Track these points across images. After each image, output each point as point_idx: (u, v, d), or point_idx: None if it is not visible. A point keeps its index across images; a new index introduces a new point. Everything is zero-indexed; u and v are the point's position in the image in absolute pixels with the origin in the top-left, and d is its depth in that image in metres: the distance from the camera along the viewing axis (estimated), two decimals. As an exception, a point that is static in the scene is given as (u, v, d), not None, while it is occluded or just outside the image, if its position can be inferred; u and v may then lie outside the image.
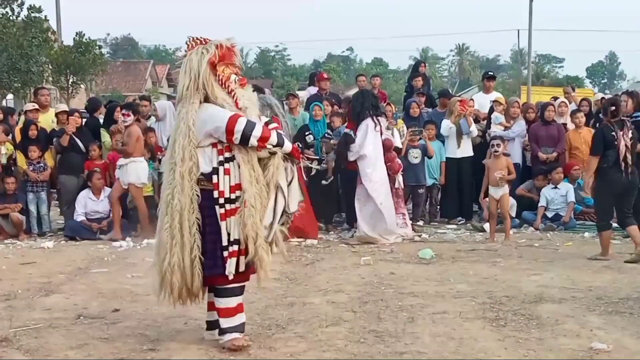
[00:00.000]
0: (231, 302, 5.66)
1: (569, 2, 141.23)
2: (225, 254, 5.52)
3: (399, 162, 11.40)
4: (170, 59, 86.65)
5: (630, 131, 9.73)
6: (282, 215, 5.63)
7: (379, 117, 11.15)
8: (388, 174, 11.21)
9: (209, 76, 5.58)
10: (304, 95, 16.01)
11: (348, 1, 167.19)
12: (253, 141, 5.47)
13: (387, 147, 11.19)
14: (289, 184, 5.65)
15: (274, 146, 5.55)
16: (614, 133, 9.60)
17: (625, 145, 9.58)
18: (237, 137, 5.46)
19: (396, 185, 11.36)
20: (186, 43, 5.80)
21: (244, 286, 5.77)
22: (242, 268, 5.55)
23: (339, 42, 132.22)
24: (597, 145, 9.73)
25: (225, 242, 5.51)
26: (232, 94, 5.63)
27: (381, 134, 11.09)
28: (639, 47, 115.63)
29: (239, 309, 5.71)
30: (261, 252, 5.49)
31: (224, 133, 5.46)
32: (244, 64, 6.17)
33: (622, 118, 9.85)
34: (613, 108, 9.83)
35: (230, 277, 5.54)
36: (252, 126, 5.46)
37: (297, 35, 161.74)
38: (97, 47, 36.92)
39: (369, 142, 10.88)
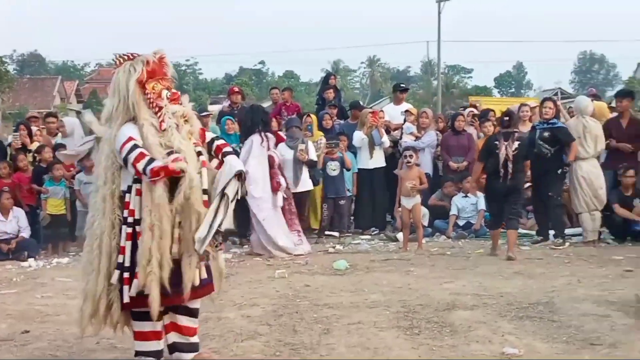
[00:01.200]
0: (144, 326, 5.37)
1: (476, 14, 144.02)
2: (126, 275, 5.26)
3: (280, 180, 11.28)
4: (79, 74, 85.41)
5: (517, 142, 10.42)
6: (216, 232, 5.37)
7: (267, 133, 11.17)
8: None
9: (138, 96, 5.34)
10: (216, 109, 15.96)
11: (258, 14, 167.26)
12: (130, 167, 5.22)
13: (271, 163, 11.15)
14: (232, 200, 5.41)
15: (144, 173, 5.15)
16: (497, 142, 10.47)
17: (506, 155, 10.32)
18: (122, 161, 5.28)
19: (278, 204, 11.19)
20: (113, 60, 5.61)
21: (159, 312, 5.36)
22: (132, 293, 5.21)
23: (250, 56, 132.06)
24: (482, 153, 11.00)
25: (127, 264, 5.25)
26: (159, 113, 5.37)
27: (268, 150, 11.09)
28: (546, 57, 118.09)
29: (155, 335, 5.42)
30: (149, 282, 5.12)
31: (120, 156, 5.28)
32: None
33: (513, 130, 10.67)
34: (507, 119, 10.71)
35: (125, 301, 5.28)
36: (130, 152, 5.17)
37: (208, 49, 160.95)
38: (2, 64, 36.07)
39: (253, 158, 10.86)
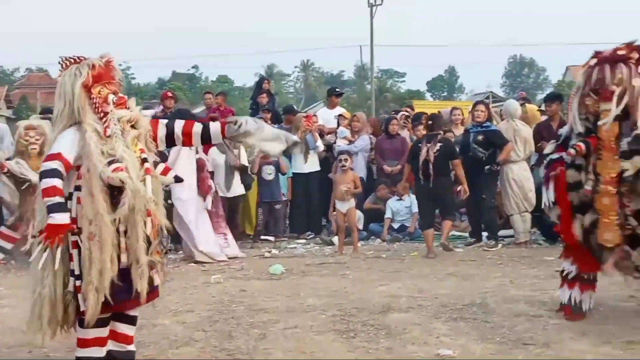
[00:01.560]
0: (87, 333, 5.27)
1: (408, 18, 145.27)
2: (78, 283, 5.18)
3: (210, 183, 11.25)
4: (9, 80, 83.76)
5: (439, 144, 10.89)
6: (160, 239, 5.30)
7: None
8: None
9: (83, 101, 5.21)
10: (149, 114, 15.78)
11: (192, 18, 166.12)
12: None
13: (200, 166, 11.11)
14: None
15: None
16: (420, 145, 10.97)
17: (427, 158, 10.79)
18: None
19: (205, 207, 11.13)
20: (59, 63, 5.49)
21: (103, 319, 5.28)
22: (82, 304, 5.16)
23: (183, 60, 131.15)
24: (409, 155, 11.61)
25: (77, 272, 5.16)
26: (105, 119, 5.22)
27: (197, 153, 11.05)
28: (477, 61, 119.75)
29: (97, 342, 5.31)
30: (87, 291, 5.03)
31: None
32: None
33: (436, 133, 11.10)
34: (430, 122, 11.27)
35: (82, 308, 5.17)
36: (47, 175, 4.99)
37: (140, 54, 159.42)
38: None
39: (180, 160, 10.81)
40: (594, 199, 6.61)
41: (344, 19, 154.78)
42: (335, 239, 11.95)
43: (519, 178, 11.72)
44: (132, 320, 5.51)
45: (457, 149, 11.51)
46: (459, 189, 11.17)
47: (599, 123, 6.62)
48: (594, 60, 6.76)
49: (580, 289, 6.92)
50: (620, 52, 6.63)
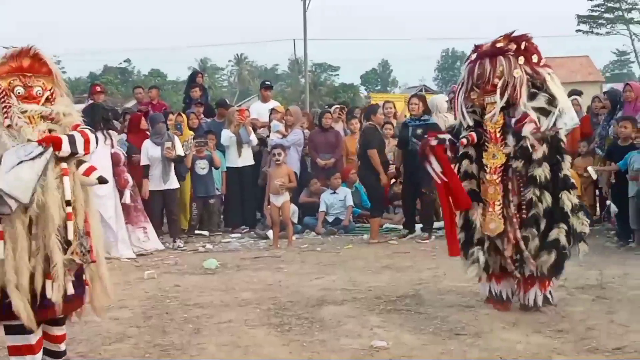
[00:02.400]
0: (16, 339, 5.14)
1: (342, 12, 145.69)
2: None
3: (127, 177, 11.12)
4: None
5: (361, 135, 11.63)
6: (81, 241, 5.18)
7: (110, 131, 11.02)
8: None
9: None
10: (80, 108, 15.56)
11: (123, 11, 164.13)
12: None
13: (115, 161, 10.96)
14: None
15: None
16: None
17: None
18: None
19: (123, 201, 10.99)
20: None
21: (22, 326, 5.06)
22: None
23: (115, 54, 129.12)
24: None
25: None
26: (5, 110, 5.06)
27: (112, 147, 10.94)
28: (410, 56, 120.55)
29: (30, 349, 5.16)
30: (11, 293, 4.90)
31: None
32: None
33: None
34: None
35: None
36: None
37: (70, 47, 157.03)
38: None
39: (94, 155, 10.62)
40: (482, 189, 6.88)
41: (277, 13, 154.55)
42: (270, 233, 11.93)
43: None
44: (59, 322, 5.38)
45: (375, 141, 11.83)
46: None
47: (486, 117, 6.87)
48: (475, 55, 6.99)
49: (496, 281, 7.05)
50: (499, 45, 6.85)
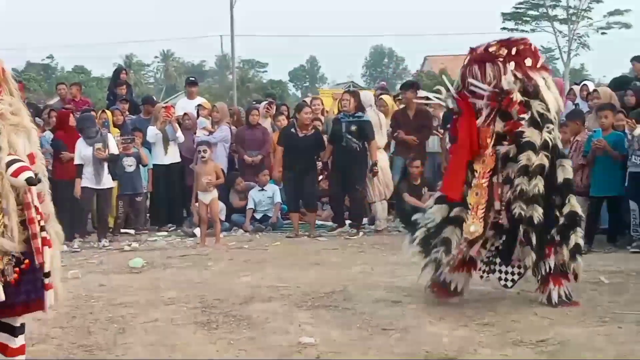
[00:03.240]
0: None
1: (269, 8, 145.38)
2: None
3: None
4: None
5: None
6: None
7: None
8: None
9: None
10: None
11: (44, 7, 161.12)
12: None
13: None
14: None
15: None
16: (293, 130, 11.78)
17: None
18: None
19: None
20: None
21: None
22: None
23: (37, 50, 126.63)
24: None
25: None
26: None
27: None
28: (338, 52, 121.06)
29: None
30: None
31: None
32: None
33: None
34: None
35: None
36: None
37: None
38: None
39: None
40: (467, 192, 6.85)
41: (203, 9, 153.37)
42: (197, 231, 11.84)
43: (383, 165, 11.95)
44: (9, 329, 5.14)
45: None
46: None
47: (478, 122, 6.83)
48: (467, 60, 6.99)
49: (450, 270, 7.06)
50: (491, 49, 6.86)
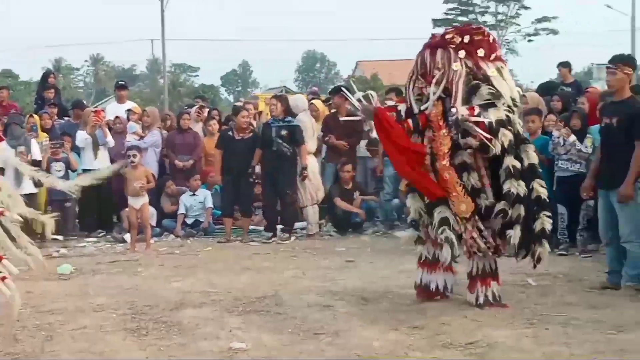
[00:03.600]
0: None
1: (201, 12, 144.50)
2: None
3: None
4: None
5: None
6: None
7: None
8: None
9: None
10: None
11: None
12: None
13: None
14: None
15: None
16: (230, 133, 11.93)
17: None
18: None
19: None
20: None
21: None
22: None
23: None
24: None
25: None
26: None
27: None
28: (270, 57, 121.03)
29: None
30: None
31: None
32: None
33: None
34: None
35: None
36: None
37: None
38: None
39: None
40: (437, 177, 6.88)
41: (133, 13, 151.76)
42: (127, 236, 11.71)
43: (314, 169, 11.99)
44: None
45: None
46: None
47: (422, 107, 6.96)
48: (423, 45, 7.12)
49: (428, 271, 7.16)
50: (447, 36, 6.98)
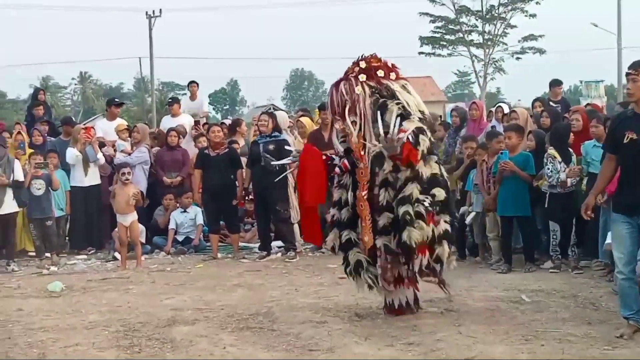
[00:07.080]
0: None
1: (189, 31, 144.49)
2: None
3: None
4: None
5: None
6: None
7: None
8: None
9: None
10: None
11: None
12: None
13: None
14: None
15: None
16: (206, 151, 12.05)
17: None
18: None
19: None
20: None
21: None
22: None
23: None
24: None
25: None
26: None
27: None
28: (257, 74, 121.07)
29: None
30: None
31: None
32: None
33: None
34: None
35: None
36: None
37: None
38: None
39: None
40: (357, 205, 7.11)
41: (122, 31, 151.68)
42: (118, 254, 11.64)
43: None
44: None
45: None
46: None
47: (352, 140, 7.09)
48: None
49: (383, 290, 7.29)
50: (347, 70, 7.20)
